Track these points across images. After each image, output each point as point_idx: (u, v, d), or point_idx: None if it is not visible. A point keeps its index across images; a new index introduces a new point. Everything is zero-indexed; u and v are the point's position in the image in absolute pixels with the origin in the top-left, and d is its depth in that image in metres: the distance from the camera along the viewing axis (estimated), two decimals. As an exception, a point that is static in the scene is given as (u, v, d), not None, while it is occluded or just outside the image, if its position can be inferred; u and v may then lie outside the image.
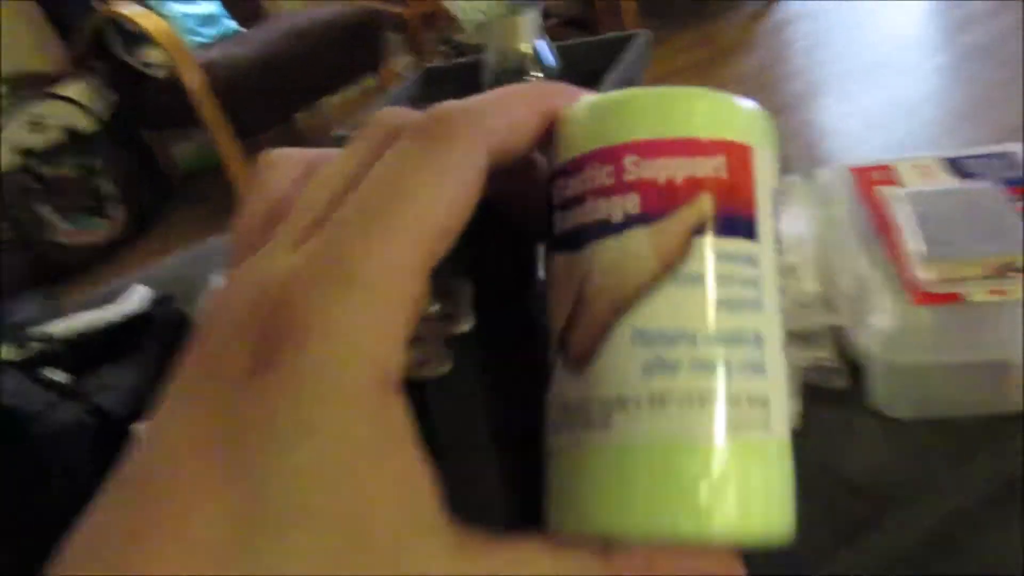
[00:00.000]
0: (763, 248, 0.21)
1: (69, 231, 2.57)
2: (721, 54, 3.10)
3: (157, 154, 2.98)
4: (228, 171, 2.53)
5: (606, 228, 0.20)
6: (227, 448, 0.16)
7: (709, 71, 2.98)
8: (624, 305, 0.19)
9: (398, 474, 0.17)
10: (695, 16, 3.51)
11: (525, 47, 1.14)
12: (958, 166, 0.73)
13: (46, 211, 2.54)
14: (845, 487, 0.58)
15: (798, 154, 2.28)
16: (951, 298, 0.59)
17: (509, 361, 0.24)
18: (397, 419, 0.18)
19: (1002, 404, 0.60)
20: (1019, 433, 0.60)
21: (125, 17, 2.41)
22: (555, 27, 3.45)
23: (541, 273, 0.25)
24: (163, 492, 0.16)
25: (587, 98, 0.22)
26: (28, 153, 2.47)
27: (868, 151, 2.21)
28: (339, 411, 0.16)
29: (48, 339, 0.84)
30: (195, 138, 3.19)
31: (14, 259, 2.59)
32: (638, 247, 0.20)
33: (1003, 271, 0.58)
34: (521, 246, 0.25)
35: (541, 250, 0.25)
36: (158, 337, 0.91)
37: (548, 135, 0.22)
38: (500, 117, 0.21)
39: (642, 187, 0.20)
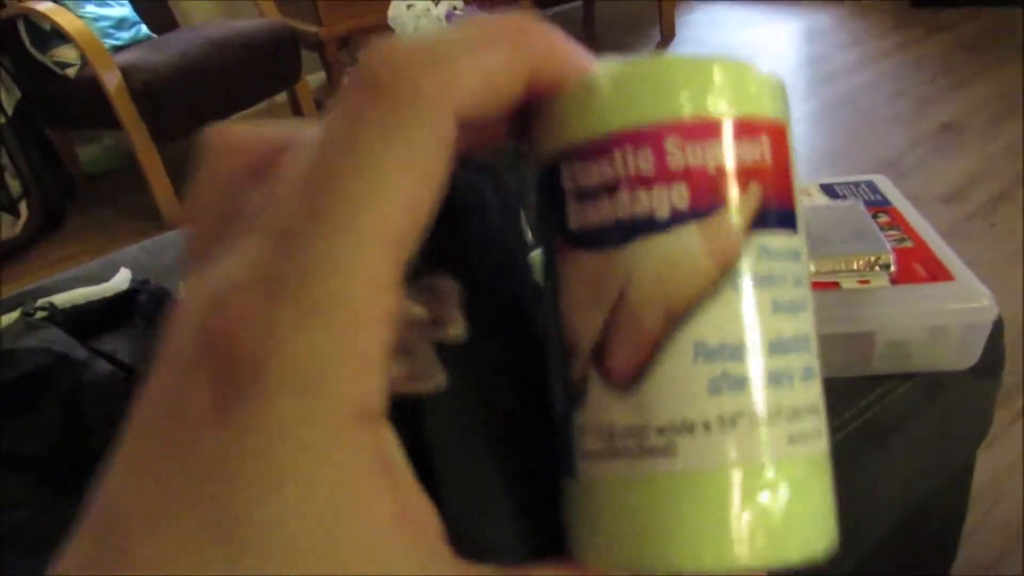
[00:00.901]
0: (803, 241, 0.20)
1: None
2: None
3: (62, 153, 2.93)
4: (146, 175, 2.54)
5: (650, 225, 0.17)
6: (200, 505, 0.14)
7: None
8: (680, 315, 0.17)
9: (395, 518, 0.15)
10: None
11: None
12: (831, 190, 0.93)
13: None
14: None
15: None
16: (829, 286, 0.78)
17: (510, 373, 0.20)
18: (384, 454, 0.15)
19: (866, 368, 0.79)
20: (876, 391, 0.80)
21: (40, 14, 2.40)
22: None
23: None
24: (138, 559, 0.14)
25: (609, 63, 0.19)
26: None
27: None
28: (316, 455, 0.14)
29: (51, 308, 0.92)
30: (99, 140, 3.16)
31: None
32: (691, 247, 0.17)
33: (868, 266, 0.77)
34: (504, 232, 0.21)
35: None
36: (143, 312, 1.00)
37: (533, 94, 0.18)
38: (473, 69, 0.16)
39: (690, 176, 0.17)
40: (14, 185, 2.60)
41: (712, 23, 3.95)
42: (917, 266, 0.78)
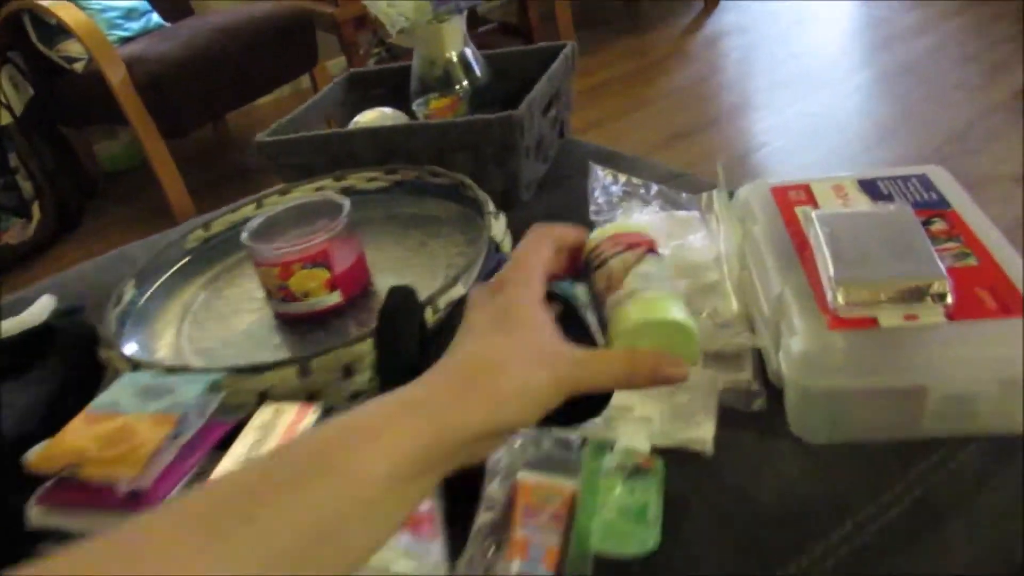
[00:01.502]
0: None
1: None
2: (653, 66, 3.13)
3: (79, 152, 2.86)
4: (154, 170, 2.45)
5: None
6: (498, 323, 0.46)
7: (641, 83, 3.01)
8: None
9: (546, 317, 0.46)
10: (629, 27, 3.54)
11: (451, 55, 1.13)
12: (873, 188, 0.74)
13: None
14: (762, 516, 0.58)
15: (727, 167, 2.31)
16: (865, 323, 0.59)
17: None
18: (544, 309, 0.47)
19: (915, 430, 0.60)
20: (930, 458, 0.61)
21: (43, 8, 2.30)
22: (490, 33, 3.44)
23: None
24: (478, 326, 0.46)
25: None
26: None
27: (794, 166, 2.25)
28: (533, 309, 0.46)
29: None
30: (120, 136, 3.08)
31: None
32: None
33: (915, 295, 0.58)
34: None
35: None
36: (62, 351, 0.86)
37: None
38: (542, 255, 0.52)
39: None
40: (26, 187, 2.53)
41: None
42: (983, 294, 0.59)
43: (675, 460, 0.62)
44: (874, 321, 0.59)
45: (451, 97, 1.11)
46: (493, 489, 0.60)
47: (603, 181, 0.89)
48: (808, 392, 0.58)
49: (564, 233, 0.54)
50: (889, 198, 0.72)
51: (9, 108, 2.50)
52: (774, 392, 0.65)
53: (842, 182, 0.76)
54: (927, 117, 2.31)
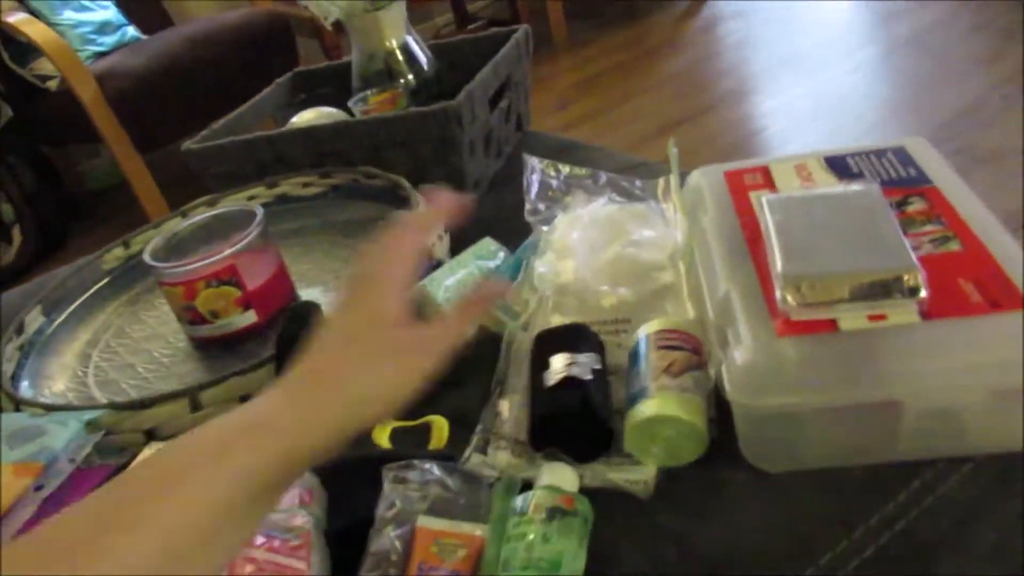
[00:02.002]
0: None
1: (-36, 256, 2.40)
2: (649, 54, 3.02)
3: (62, 171, 2.80)
4: (133, 187, 2.38)
5: None
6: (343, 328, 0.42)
7: (637, 71, 2.90)
8: None
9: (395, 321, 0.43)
10: (624, 17, 3.43)
11: (391, 46, 1.03)
12: (840, 165, 0.63)
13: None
14: (707, 565, 0.48)
15: (727, 152, 2.20)
16: (821, 326, 0.49)
17: None
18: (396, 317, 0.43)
19: (891, 452, 0.50)
20: (911, 485, 0.51)
21: (10, 27, 2.24)
22: (480, 29, 3.34)
23: None
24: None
25: None
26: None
27: (797, 147, 2.14)
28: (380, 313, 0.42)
29: None
30: (103, 153, 3.02)
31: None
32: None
33: (881, 291, 0.48)
34: None
35: None
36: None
37: None
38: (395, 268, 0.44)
39: None
40: (6, 210, 2.47)
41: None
42: (967, 287, 0.49)
43: (606, 502, 0.52)
44: (832, 324, 0.48)
45: (391, 91, 1.02)
46: (384, 540, 0.51)
47: (540, 174, 0.79)
48: (754, 413, 0.48)
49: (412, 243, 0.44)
50: (860, 176, 0.62)
51: (-14, 130, 2.44)
52: (728, 413, 0.55)
53: (805, 161, 0.65)
54: (935, 92, 2.18)
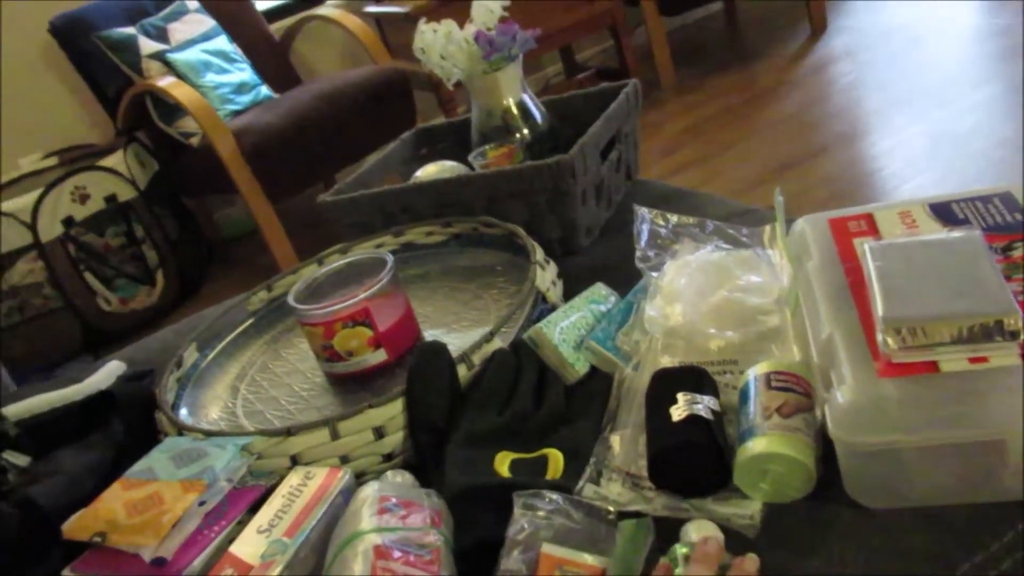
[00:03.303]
0: None
1: (114, 298, 2.62)
2: (759, 97, 3.02)
3: (200, 220, 3.03)
4: (264, 234, 2.56)
5: None
6: None
7: (745, 115, 2.91)
8: None
9: None
10: (732, 61, 3.44)
11: (508, 103, 1.11)
12: (946, 212, 0.65)
13: (91, 279, 2.59)
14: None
15: (841, 194, 2.18)
16: (922, 368, 0.51)
17: None
18: None
19: (996, 491, 0.51)
20: (1018, 526, 0.52)
21: (160, 90, 2.47)
22: (589, 78, 3.43)
23: None
24: None
25: None
26: (71, 222, 2.54)
27: (912, 188, 2.10)
28: None
29: (2, 421, 0.82)
30: (237, 203, 3.25)
31: (65, 325, 2.65)
32: None
33: (982, 334, 0.50)
34: None
35: None
36: (125, 415, 0.88)
37: None
38: None
39: None
40: (151, 256, 2.69)
41: (869, 7, 3.51)
42: (1069, 330, 0.50)
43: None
44: (933, 366, 0.51)
45: (508, 146, 1.09)
46: (512, 562, 0.55)
47: (650, 223, 0.83)
48: (856, 450, 0.51)
49: None
50: (964, 222, 0.63)
51: (134, 183, 2.68)
52: (833, 451, 0.57)
53: (910, 208, 0.67)
54: (1061, 130, 2.11)
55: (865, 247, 0.59)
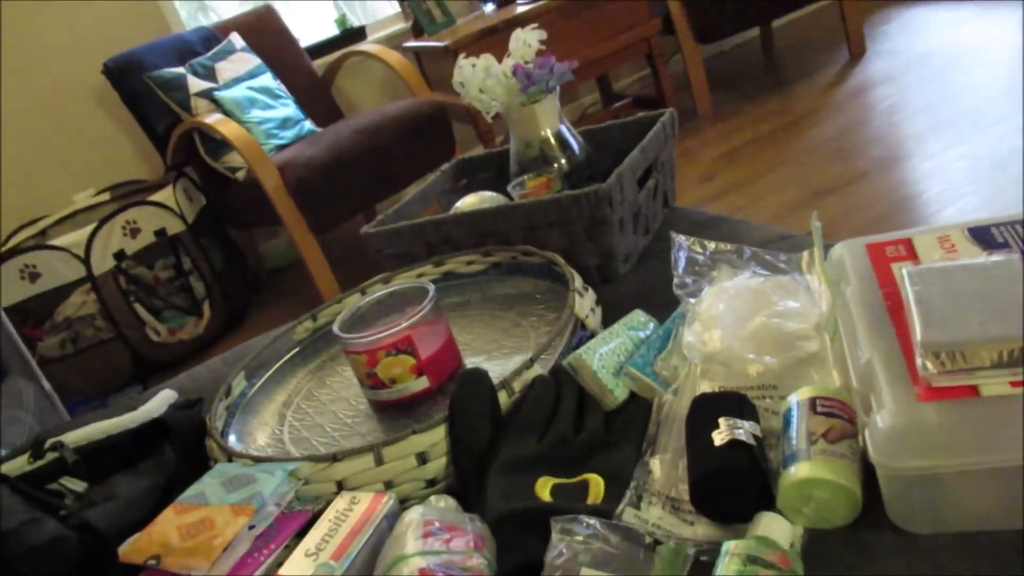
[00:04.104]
0: None
1: (162, 329, 2.69)
2: (797, 123, 3.02)
3: (245, 252, 3.10)
4: (308, 265, 2.61)
5: None
6: None
7: (783, 140, 2.90)
8: None
9: None
10: (769, 86, 3.44)
11: (546, 134, 1.13)
12: (985, 236, 0.65)
13: (141, 311, 2.66)
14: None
15: (881, 218, 2.16)
16: (963, 392, 0.51)
17: None
18: None
19: (1038, 515, 0.51)
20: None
21: (207, 126, 2.55)
22: (626, 107, 3.45)
23: None
24: None
25: None
26: (122, 256, 2.62)
27: (954, 211, 2.07)
28: None
29: (61, 447, 0.85)
30: (281, 235, 3.32)
31: (115, 356, 2.72)
32: None
33: (1021, 358, 0.50)
34: None
35: None
36: (175, 443, 0.91)
37: None
38: None
39: None
40: (198, 287, 2.76)
41: (908, 31, 3.49)
42: (1112, 353, 0.50)
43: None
44: (974, 390, 0.51)
45: (546, 176, 1.11)
46: (552, 585, 0.56)
47: (687, 250, 0.84)
48: (897, 475, 0.51)
49: None
50: (1004, 246, 0.63)
51: (183, 217, 2.75)
52: (875, 476, 0.57)
53: (949, 232, 0.67)
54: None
55: (903, 272, 0.60)
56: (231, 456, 0.80)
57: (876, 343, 0.58)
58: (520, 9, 2.93)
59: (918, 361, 0.53)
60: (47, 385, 2.10)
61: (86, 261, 2.61)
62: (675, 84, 3.35)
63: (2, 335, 1.97)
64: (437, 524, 0.62)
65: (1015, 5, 3.30)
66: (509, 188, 1.12)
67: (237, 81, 2.79)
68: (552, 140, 1.13)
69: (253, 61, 2.89)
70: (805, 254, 0.82)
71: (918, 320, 0.54)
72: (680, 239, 0.85)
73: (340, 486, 0.73)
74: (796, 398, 0.62)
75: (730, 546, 0.53)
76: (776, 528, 0.54)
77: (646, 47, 3.11)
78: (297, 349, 1.06)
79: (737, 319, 0.74)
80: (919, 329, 0.54)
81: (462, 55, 1.16)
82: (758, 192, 2.60)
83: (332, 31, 3.40)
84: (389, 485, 0.72)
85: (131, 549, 0.69)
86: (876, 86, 3.10)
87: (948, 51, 3.13)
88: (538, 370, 0.77)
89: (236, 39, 2.91)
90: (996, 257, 0.59)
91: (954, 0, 3.66)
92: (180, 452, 0.88)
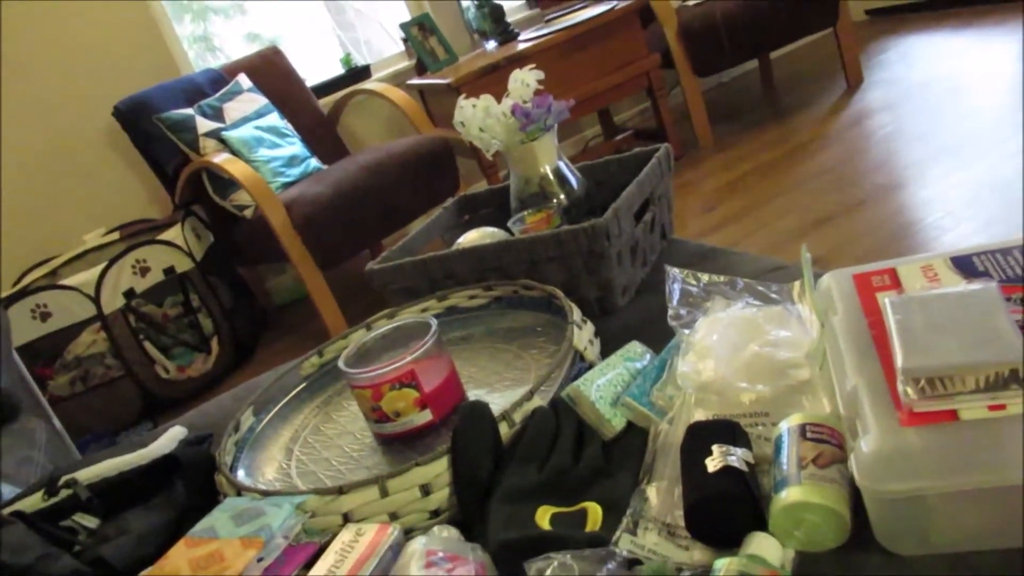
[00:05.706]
0: None
1: (171, 366, 2.71)
2: (796, 152, 3.05)
3: (253, 288, 3.14)
4: (315, 301, 2.64)
5: None
6: None
7: (783, 169, 2.94)
8: None
9: None
10: (768, 117, 3.49)
11: (545, 171, 1.16)
12: (967, 265, 0.67)
13: (151, 348, 2.69)
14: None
15: (880, 245, 2.18)
16: (943, 416, 0.53)
17: None
18: None
19: (1017, 536, 0.53)
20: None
21: (215, 166, 2.60)
22: (627, 139, 3.50)
23: None
24: None
25: None
26: (131, 294, 2.66)
27: (954, 237, 2.09)
28: None
29: (74, 484, 0.87)
30: (288, 271, 3.36)
31: (125, 393, 2.75)
32: None
33: (998, 382, 0.52)
34: None
35: None
36: (186, 478, 0.93)
37: None
38: None
39: None
40: (206, 324, 2.79)
41: (906, 59, 3.54)
42: (1085, 377, 0.52)
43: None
44: (954, 414, 0.53)
45: (546, 211, 1.13)
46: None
47: (681, 283, 0.87)
48: (882, 497, 0.53)
49: None
50: (984, 275, 0.66)
51: (191, 255, 2.79)
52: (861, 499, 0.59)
53: (932, 262, 0.70)
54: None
55: (886, 301, 0.62)
56: (240, 490, 0.82)
57: (861, 370, 0.60)
58: (521, 46, 2.99)
59: (899, 387, 0.55)
60: (57, 423, 2.13)
61: (96, 300, 2.64)
62: (676, 116, 3.40)
63: (16, 375, 2.00)
64: (440, 554, 0.64)
65: (1012, 34, 3.35)
66: (510, 224, 1.15)
67: (244, 121, 2.85)
68: (551, 176, 1.16)
69: (260, 101, 2.95)
70: (796, 284, 0.85)
71: (899, 347, 0.56)
72: (674, 272, 0.88)
73: (346, 518, 0.75)
74: (787, 424, 0.64)
75: (722, 564, 0.55)
76: (766, 546, 0.56)
77: (646, 81, 3.16)
78: (304, 385, 1.09)
79: (730, 349, 0.76)
80: (900, 356, 0.56)
81: (463, 97, 1.19)
82: (759, 221, 2.63)
83: (338, 70, 3.46)
84: (394, 516, 0.74)
85: (143, 582, 0.71)
86: (874, 114, 3.14)
87: (945, 79, 3.17)
88: (538, 402, 0.79)
89: (243, 80, 2.97)
90: (974, 286, 0.61)
91: (950, 29, 3.72)
92: (191, 487, 0.91)
